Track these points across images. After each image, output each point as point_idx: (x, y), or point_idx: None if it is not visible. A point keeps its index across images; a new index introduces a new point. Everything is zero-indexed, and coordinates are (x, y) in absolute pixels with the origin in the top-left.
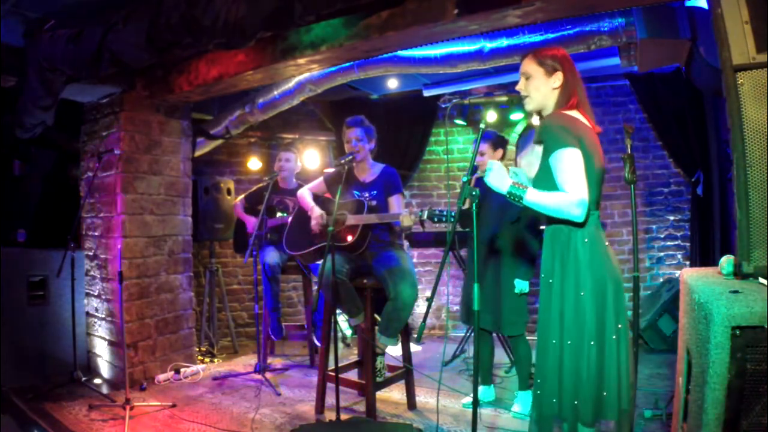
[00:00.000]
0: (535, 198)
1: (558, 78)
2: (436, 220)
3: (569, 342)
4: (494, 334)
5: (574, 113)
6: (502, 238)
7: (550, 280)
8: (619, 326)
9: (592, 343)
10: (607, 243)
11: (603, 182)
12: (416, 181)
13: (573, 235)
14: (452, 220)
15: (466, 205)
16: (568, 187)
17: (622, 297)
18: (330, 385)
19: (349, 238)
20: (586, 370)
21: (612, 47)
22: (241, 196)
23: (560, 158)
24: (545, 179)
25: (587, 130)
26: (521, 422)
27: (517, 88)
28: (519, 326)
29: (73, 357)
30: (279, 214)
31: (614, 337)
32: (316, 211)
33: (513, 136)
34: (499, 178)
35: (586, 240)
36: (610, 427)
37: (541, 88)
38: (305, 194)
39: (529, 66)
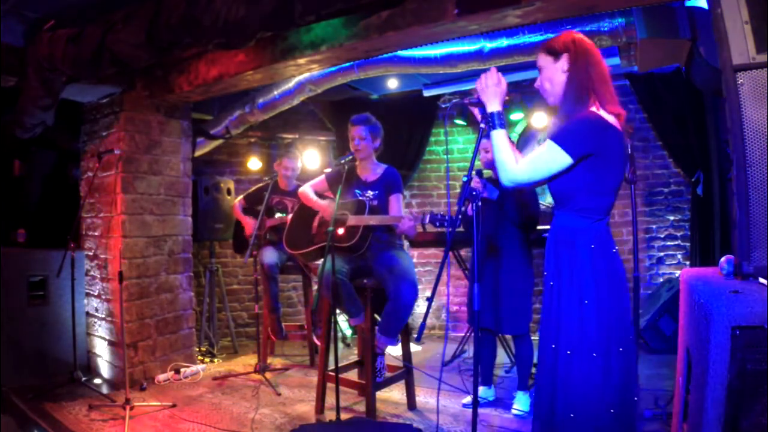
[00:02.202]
0: (499, 140)
1: (564, 60)
2: (438, 225)
3: (568, 352)
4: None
5: (602, 113)
6: (502, 237)
7: (551, 282)
8: (630, 337)
9: (594, 354)
10: (615, 250)
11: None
12: (416, 181)
13: (579, 239)
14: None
15: (469, 210)
16: (522, 168)
17: (629, 306)
18: (330, 385)
19: (351, 239)
20: (586, 384)
21: (612, 47)
22: (241, 197)
23: (547, 149)
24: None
25: (614, 138)
26: (521, 422)
27: (536, 85)
28: (521, 325)
29: (73, 357)
30: (278, 215)
31: (621, 349)
32: (322, 202)
33: (513, 136)
34: (492, 94)
35: (592, 246)
36: None
37: (553, 77)
38: (308, 192)
39: (540, 57)
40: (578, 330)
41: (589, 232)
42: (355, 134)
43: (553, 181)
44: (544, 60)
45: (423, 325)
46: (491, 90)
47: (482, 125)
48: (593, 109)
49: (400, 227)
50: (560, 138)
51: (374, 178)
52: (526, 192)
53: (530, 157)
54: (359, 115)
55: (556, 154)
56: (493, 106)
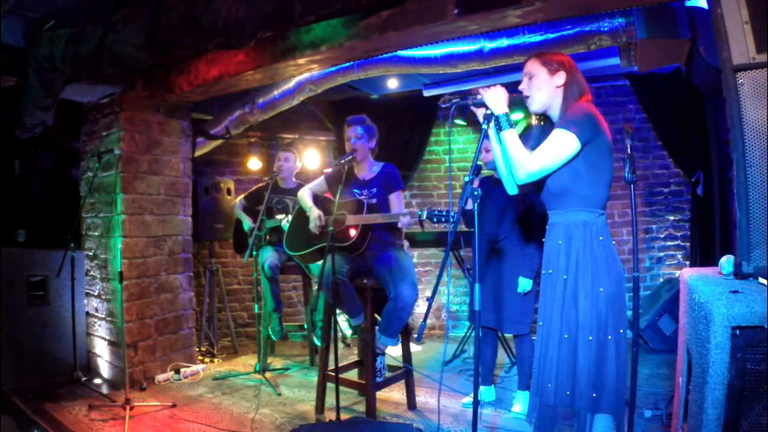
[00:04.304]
0: (511, 139)
1: (561, 77)
2: (435, 220)
3: (590, 338)
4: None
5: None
6: (505, 237)
7: (565, 276)
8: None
9: (609, 337)
10: (613, 243)
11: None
12: (416, 181)
13: (588, 233)
14: (452, 220)
15: (469, 206)
16: (537, 159)
17: (625, 292)
18: (330, 385)
19: (349, 238)
20: (606, 364)
21: (612, 47)
22: (241, 196)
23: (557, 135)
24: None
25: (604, 129)
26: (521, 422)
27: (521, 87)
28: (523, 325)
29: (73, 357)
30: (278, 217)
31: (621, 331)
32: (314, 212)
33: None
34: (498, 99)
35: (601, 238)
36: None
37: (543, 87)
38: (305, 194)
39: (533, 66)
40: (596, 317)
41: (595, 225)
42: (351, 133)
43: (556, 173)
44: (538, 70)
45: (423, 325)
46: (496, 100)
47: (484, 126)
48: None
49: (402, 221)
50: (569, 125)
51: (371, 177)
52: (528, 192)
53: (542, 149)
54: (355, 116)
55: (569, 139)
56: (501, 108)
